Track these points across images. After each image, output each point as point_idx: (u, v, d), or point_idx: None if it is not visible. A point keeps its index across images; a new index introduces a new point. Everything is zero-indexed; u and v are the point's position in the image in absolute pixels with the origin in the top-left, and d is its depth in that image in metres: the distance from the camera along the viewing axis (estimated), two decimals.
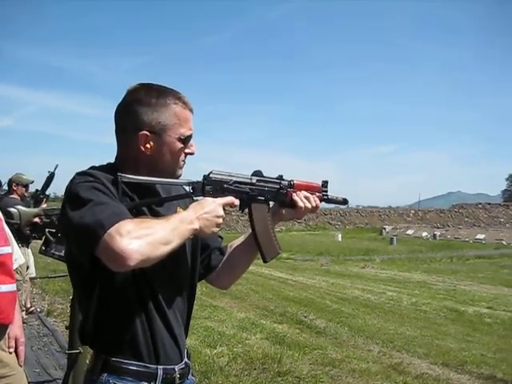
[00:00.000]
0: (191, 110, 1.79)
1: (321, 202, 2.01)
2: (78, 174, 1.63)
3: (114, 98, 1.80)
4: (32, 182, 6.88)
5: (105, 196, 1.54)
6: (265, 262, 1.89)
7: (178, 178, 1.78)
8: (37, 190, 6.44)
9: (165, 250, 1.49)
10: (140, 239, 1.43)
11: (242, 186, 1.79)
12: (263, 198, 1.86)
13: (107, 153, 1.83)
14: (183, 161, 1.79)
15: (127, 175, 1.63)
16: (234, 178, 1.77)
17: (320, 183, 2.03)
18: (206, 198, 1.68)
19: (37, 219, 4.44)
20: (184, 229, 1.55)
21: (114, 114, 1.77)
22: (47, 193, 6.31)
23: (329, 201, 2.07)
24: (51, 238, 3.74)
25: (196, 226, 1.58)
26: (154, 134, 1.70)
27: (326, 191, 2.04)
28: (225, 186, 1.74)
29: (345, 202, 2.13)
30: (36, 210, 4.80)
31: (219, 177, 1.74)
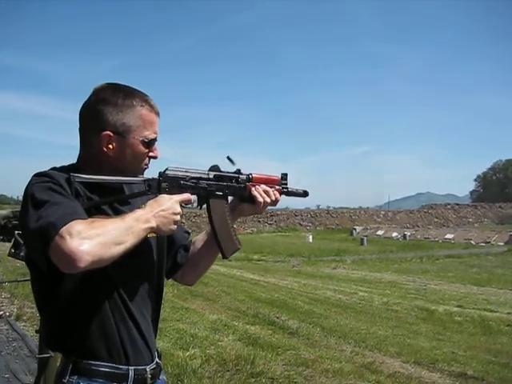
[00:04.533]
0: (157, 114, 1.76)
1: (281, 195, 1.99)
2: (36, 175, 1.59)
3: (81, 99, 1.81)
4: None
5: (60, 196, 1.50)
6: (224, 257, 1.87)
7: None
8: None
9: (118, 249, 1.45)
10: (91, 239, 1.39)
11: (199, 181, 1.77)
12: (221, 193, 1.83)
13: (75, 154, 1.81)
14: (146, 164, 1.77)
15: (80, 175, 1.58)
16: (191, 174, 1.75)
17: (279, 176, 2.01)
18: (163, 195, 1.65)
19: (5, 222, 4.37)
20: (139, 228, 1.52)
21: (78, 113, 1.74)
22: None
23: (289, 193, 2.04)
24: (21, 241, 3.68)
25: (153, 224, 1.55)
26: (117, 134, 1.67)
27: (286, 184, 2.02)
28: (181, 182, 1.72)
29: (305, 194, 2.10)
30: (4, 212, 4.73)
31: (175, 173, 1.72)
